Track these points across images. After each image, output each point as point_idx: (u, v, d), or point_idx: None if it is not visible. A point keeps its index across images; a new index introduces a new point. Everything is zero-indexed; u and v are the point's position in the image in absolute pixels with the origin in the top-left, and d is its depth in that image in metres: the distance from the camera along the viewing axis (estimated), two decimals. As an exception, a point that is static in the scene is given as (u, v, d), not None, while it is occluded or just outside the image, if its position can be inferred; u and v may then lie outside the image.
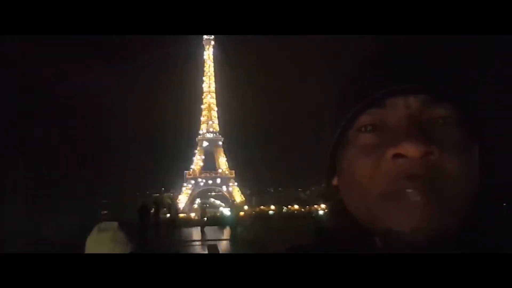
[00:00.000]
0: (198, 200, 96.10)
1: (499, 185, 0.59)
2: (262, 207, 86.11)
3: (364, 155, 0.56)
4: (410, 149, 0.52)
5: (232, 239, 16.20)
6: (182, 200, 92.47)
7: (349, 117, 0.59)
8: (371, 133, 0.57)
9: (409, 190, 0.51)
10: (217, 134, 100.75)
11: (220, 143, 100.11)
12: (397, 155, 0.53)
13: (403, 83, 0.55)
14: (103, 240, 2.01)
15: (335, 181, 0.65)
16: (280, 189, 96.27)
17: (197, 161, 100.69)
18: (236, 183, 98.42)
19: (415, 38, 0.61)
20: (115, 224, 2.08)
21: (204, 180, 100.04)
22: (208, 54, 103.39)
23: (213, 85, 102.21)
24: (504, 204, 0.60)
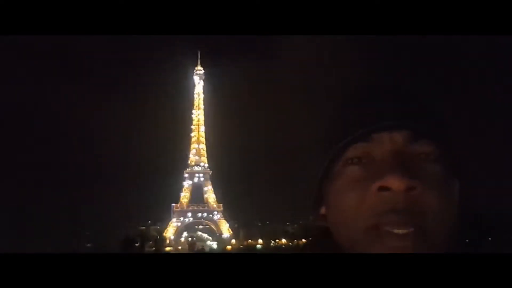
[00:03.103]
0: (185, 233, 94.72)
1: (478, 217, 0.65)
2: (249, 240, 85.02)
3: (351, 188, 0.58)
4: (395, 182, 0.53)
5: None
6: (169, 233, 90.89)
7: (336, 150, 0.61)
8: (358, 166, 0.59)
9: (393, 223, 0.53)
10: (205, 167, 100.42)
11: (208, 176, 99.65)
12: (382, 188, 0.54)
13: (387, 120, 0.57)
14: None
15: (322, 210, 0.66)
16: (267, 222, 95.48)
17: (185, 194, 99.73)
18: (223, 216, 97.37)
19: (400, 78, 0.63)
20: None
21: (191, 213, 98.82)
22: (198, 87, 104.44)
23: (202, 118, 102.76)
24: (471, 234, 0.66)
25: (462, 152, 0.62)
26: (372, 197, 0.55)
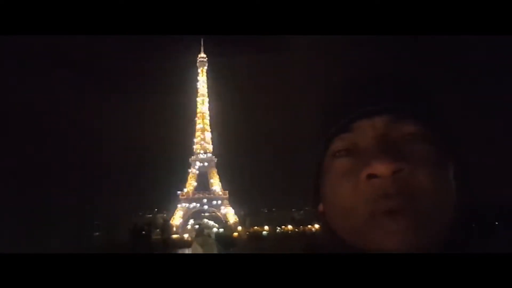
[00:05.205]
0: (191, 221, 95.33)
1: (478, 204, 0.59)
2: (256, 227, 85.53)
3: (341, 180, 0.58)
4: (381, 168, 0.53)
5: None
6: (175, 221, 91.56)
7: (322, 145, 0.62)
8: (345, 158, 0.58)
9: (387, 208, 0.52)
10: (211, 154, 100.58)
11: (214, 163, 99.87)
12: (370, 176, 0.54)
13: (367, 105, 0.57)
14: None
15: (321, 208, 0.66)
16: (274, 209, 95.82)
17: (191, 182, 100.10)
18: (229, 204, 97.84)
19: (378, 60, 0.63)
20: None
21: (197, 201, 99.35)
22: (202, 75, 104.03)
23: (207, 106, 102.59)
24: (473, 225, 0.60)
25: (458, 135, 0.60)
26: (363, 186, 0.55)
